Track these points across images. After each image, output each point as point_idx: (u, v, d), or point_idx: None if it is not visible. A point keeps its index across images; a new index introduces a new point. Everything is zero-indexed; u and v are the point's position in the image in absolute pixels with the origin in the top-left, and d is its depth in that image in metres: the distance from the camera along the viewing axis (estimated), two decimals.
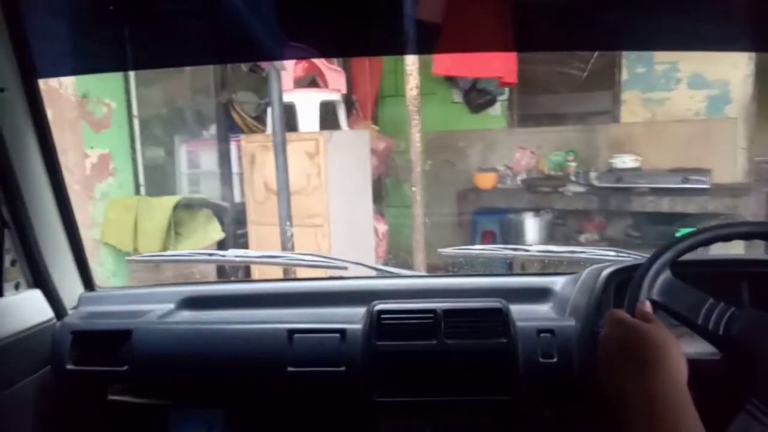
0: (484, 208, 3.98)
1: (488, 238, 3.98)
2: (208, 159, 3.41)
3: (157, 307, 1.21)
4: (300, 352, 1.05)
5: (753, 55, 3.62)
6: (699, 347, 0.94)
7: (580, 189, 3.76)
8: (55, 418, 1.14)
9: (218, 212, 3.21)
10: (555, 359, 1.03)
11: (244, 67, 3.37)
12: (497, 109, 4.08)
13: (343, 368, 1.04)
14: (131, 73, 3.35)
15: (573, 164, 3.95)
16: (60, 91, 3.12)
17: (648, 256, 0.93)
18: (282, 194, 2.70)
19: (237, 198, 3.37)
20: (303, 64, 3.28)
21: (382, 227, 3.64)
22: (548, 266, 1.72)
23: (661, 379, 0.65)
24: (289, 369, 1.05)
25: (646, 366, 0.67)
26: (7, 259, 1.07)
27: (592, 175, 3.80)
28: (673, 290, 0.89)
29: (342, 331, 1.06)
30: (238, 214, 3.26)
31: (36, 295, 1.13)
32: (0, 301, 1.04)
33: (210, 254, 1.55)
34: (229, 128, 3.45)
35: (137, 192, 3.35)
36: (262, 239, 3.12)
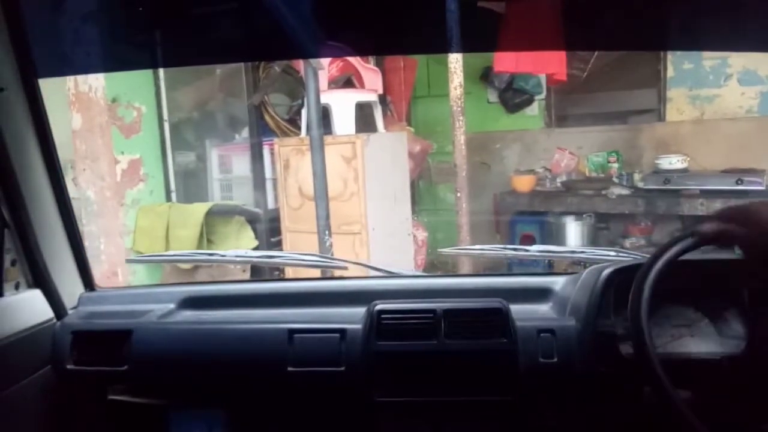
0: (522, 212, 3.89)
1: (527, 242, 3.90)
2: (241, 164, 3.33)
3: (157, 307, 1.22)
4: (300, 351, 1.05)
5: None
6: (699, 347, 0.96)
7: (624, 191, 3.65)
8: (55, 418, 1.15)
9: (251, 219, 3.13)
10: (555, 359, 1.03)
11: (277, 67, 3.30)
12: (534, 109, 4.00)
13: (343, 368, 1.04)
14: (161, 77, 3.31)
15: (615, 165, 3.86)
16: (90, 95, 3.08)
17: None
18: (320, 200, 2.60)
19: (271, 204, 3.27)
20: (338, 64, 3.20)
21: (422, 234, 3.49)
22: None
23: None
24: (289, 369, 1.06)
25: None
26: (7, 259, 1.08)
27: (637, 176, 3.72)
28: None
29: (342, 331, 1.07)
30: (272, 221, 3.17)
31: (36, 295, 1.14)
32: (0, 301, 1.05)
33: (210, 254, 1.55)
34: (261, 131, 3.35)
35: (168, 198, 3.31)
36: (298, 247, 3.03)
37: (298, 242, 3.07)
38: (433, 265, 3.63)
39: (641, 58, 3.84)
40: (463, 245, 2.90)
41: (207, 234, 3.20)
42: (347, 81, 3.36)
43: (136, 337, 1.11)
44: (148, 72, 3.24)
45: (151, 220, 3.19)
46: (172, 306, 1.24)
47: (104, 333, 1.14)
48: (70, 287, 1.23)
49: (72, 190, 2.98)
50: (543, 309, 1.19)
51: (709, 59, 3.70)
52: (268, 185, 3.30)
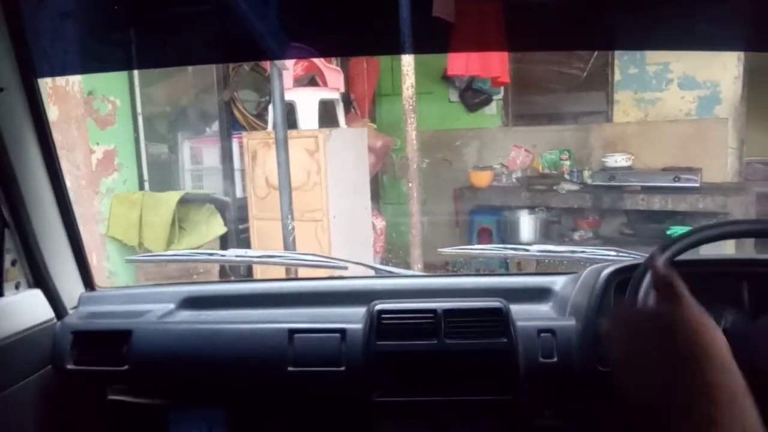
0: (480, 206, 4.02)
1: (485, 235, 4.00)
2: (211, 155, 3.46)
3: (157, 307, 1.21)
4: (300, 351, 1.06)
5: (742, 56, 3.66)
6: None
7: (574, 187, 3.78)
8: (56, 417, 1.14)
9: (221, 207, 3.26)
10: (555, 359, 1.03)
11: (246, 66, 3.46)
12: (493, 109, 4.16)
13: (343, 368, 1.04)
14: (135, 72, 3.47)
15: (567, 163, 3.99)
16: (66, 89, 3.21)
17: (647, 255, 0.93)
18: (283, 189, 2.80)
19: (239, 193, 3.43)
20: (302, 64, 3.39)
21: (380, 223, 3.64)
22: (548, 266, 1.70)
23: (719, 366, 0.55)
24: (290, 369, 1.05)
25: (695, 355, 0.56)
26: (8, 259, 1.07)
27: (586, 173, 3.84)
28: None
29: (342, 331, 1.06)
30: (240, 209, 3.32)
31: (36, 295, 1.12)
32: (0, 301, 1.04)
33: (210, 254, 1.57)
34: (231, 125, 3.48)
35: (141, 187, 3.38)
36: (264, 233, 3.20)
37: (265, 229, 3.19)
38: (390, 250, 3.93)
39: (593, 62, 3.94)
40: (415, 232, 3.16)
41: (179, 221, 3.36)
42: (311, 80, 3.51)
43: (136, 337, 1.09)
44: None
45: (126, 208, 3.21)
46: (171, 306, 1.22)
47: (104, 333, 1.12)
48: (70, 287, 1.20)
49: None
50: (543, 309, 1.18)
51: (653, 65, 3.82)
52: (237, 176, 3.44)
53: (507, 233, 3.88)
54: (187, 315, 1.22)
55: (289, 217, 2.75)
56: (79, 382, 1.14)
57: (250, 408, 1.23)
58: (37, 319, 1.10)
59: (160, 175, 3.43)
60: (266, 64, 3.24)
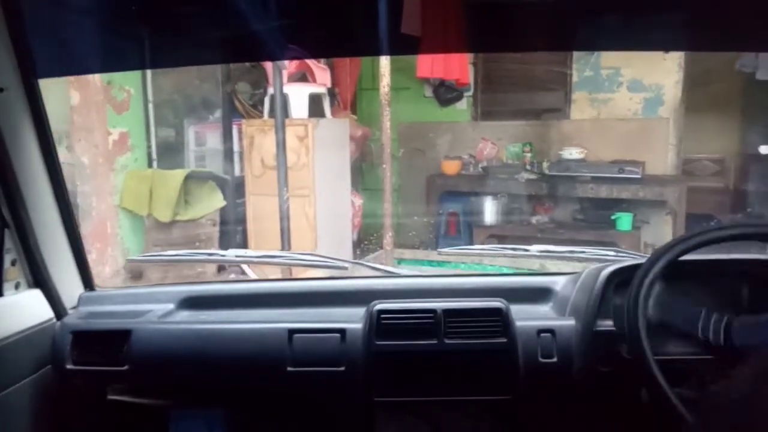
0: (449, 191, 4.23)
1: (453, 218, 4.22)
2: (213, 139, 3.85)
3: (157, 307, 1.16)
4: (300, 351, 1.02)
5: (682, 63, 3.80)
6: (698, 347, 0.92)
7: (532, 176, 4.01)
8: (55, 417, 1.09)
9: (221, 184, 3.65)
10: (555, 359, 1.00)
11: (247, 62, 4.02)
12: (463, 104, 4.45)
13: (343, 368, 1.01)
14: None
15: (529, 155, 4.12)
16: (88, 78, 3.69)
17: (642, 253, 0.93)
18: (281, 167, 3.32)
19: (237, 172, 3.83)
20: (295, 62, 3.93)
21: (358, 200, 3.95)
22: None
23: None
24: (289, 369, 1.02)
25: None
26: (7, 259, 1.02)
27: (545, 164, 4.03)
28: (666, 304, 0.91)
29: (342, 331, 1.03)
30: (238, 186, 3.68)
31: (36, 295, 1.08)
32: (0, 301, 1.00)
33: (210, 254, 1.55)
34: (231, 113, 3.92)
35: (150, 166, 3.66)
36: (259, 207, 3.57)
37: (259, 203, 3.56)
38: (368, 232, 4.32)
39: (553, 64, 4.19)
40: (387, 211, 3.69)
41: (184, 195, 3.92)
42: (302, 76, 3.82)
43: (135, 337, 1.05)
44: None
45: (137, 183, 3.45)
46: (171, 306, 1.17)
47: (104, 333, 1.07)
48: (70, 287, 1.15)
49: (65, 156, 3.65)
50: (543, 309, 1.14)
51: (606, 69, 4.02)
52: (236, 157, 3.86)
53: (472, 216, 4.12)
54: (186, 315, 1.16)
55: (285, 189, 3.31)
56: (78, 382, 1.08)
57: (250, 408, 1.18)
58: (37, 319, 1.06)
59: (168, 155, 3.72)
60: (267, 64, 3.79)
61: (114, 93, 3.74)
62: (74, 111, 3.65)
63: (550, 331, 1.03)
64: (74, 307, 1.16)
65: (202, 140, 3.88)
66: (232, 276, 3.27)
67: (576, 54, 4.11)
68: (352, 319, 1.06)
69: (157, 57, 1.20)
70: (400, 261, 3.54)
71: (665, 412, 0.83)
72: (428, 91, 4.35)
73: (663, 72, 4.00)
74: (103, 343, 1.06)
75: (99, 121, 3.64)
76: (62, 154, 3.60)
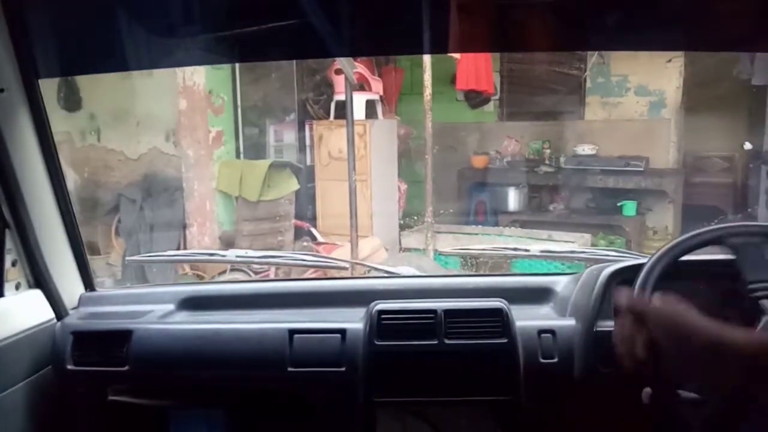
0: (478, 183, 4.57)
1: (480, 206, 4.55)
2: (289, 136, 4.59)
3: (157, 308, 1.09)
4: (300, 352, 0.98)
5: (682, 70, 3.95)
6: None
7: (551, 170, 4.30)
8: (56, 418, 1.02)
9: (296, 171, 4.21)
10: (556, 359, 0.96)
11: (317, 76, 4.72)
12: (491, 107, 4.87)
13: (343, 368, 0.97)
14: (237, 74, 5.04)
15: (548, 151, 4.44)
16: (193, 88, 4.67)
17: (639, 251, 0.74)
18: (350, 156, 3.40)
19: (309, 162, 4.51)
20: (355, 75, 5.00)
21: (403, 186, 4.44)
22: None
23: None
24: (290, 369, 0.97)
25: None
26: (8, 259, 0.97)
27: (561, 159, 4.30)
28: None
29: (342, 331, 0.99)
30: (309, 173, 4.37)
31: (36, 296, 1.02)
32: (0, 302, 0.95)
33: (210, 254, 1.48)
34: (304, 115, 4.56)
35: (238, 157, 4.19)
36: (325, 189, 4.30)
37: (326, 186, 4.28)
38: (410, 213, 4.70)
39: (569, 71, 4.49)
40: (428, 193, 4.36)
41: (267, 180, 4.09)
42: (361, 86, 4.38)
43: (136, 337, 0.99)
44: (228, 72, 4.37)
45: (230, 170, 4.00)
46: (172, 306, 1.11)
47: (104, 333, 1.01)
48: (71, 287, 1.07)
49: (173, 150, 4.54)
50: (543, 309, 1.09)
51: (615, 76, 4.24)
52: (307, 151, 4.54)
53: (498, 204, 4.41)
54: (187, 315, 1.09)
55: (353, 173, 4.31)
56: (79, 382, 1.00)
57: (250, 408, 1.10)
58: (37, 319, 0.99)
59: (253, 148, 4.31)
60: (330, 73, 4.76)
61: (213, 99, 4.78)
62: (182, 114, 4.06)
63: (550, 331, 0.99)
64: (75, 308, 1.07)
65: (280, 137, 4.71)
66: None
67: (589, 63, 4.30)
68: (352, 320, 1.00)
69: (158, 57, 1.13)
70: (438, 232, 4.36)
71: (666, 412, 0.79)
72: (460, 96, 4.72)
73: (665, 78, 4.22)
74: (104, 344, 0.99)
75: (202, 122, 4.02)
76: (170, 149, 4.39)
